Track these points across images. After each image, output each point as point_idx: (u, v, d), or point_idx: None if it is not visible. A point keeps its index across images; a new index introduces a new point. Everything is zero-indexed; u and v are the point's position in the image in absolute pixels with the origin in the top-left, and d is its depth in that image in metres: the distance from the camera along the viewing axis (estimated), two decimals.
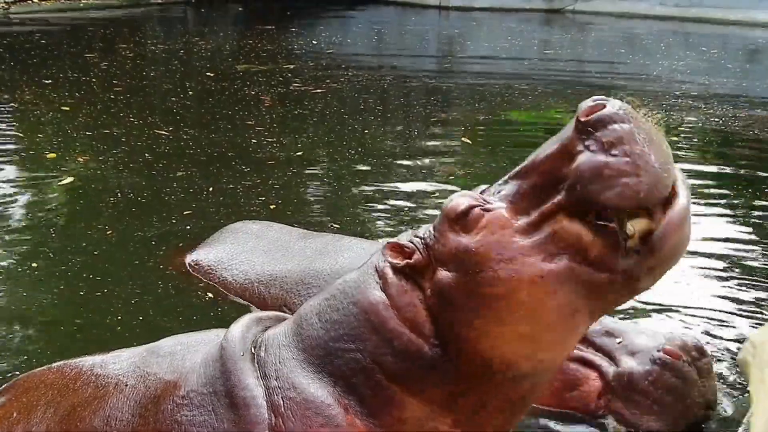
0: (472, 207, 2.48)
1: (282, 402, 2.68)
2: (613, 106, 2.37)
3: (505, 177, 2.52)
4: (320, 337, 2.69)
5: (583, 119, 2.35)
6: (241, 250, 5.11)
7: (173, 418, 2.81)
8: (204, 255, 5.26)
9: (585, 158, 2.34)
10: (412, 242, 2.62)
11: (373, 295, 2.62)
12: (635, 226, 2.35)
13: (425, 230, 2.63)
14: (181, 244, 5.64)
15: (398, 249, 2.62)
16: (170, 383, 2.91)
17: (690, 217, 2.42)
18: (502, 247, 2.43)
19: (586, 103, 2.40)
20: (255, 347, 2.83)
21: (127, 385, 3.02)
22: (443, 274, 2.53)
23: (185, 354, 3.01)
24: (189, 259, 5.30)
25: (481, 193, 2.58)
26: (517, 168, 2.49)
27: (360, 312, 2.64)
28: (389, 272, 2.62)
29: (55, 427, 3.06)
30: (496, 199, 2.50)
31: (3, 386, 3.51)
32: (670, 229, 2.35)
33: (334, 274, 4.53)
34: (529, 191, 2.44)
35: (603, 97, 2.43)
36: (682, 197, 2.38)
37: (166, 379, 2.93)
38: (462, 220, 2.50)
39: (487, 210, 2.47)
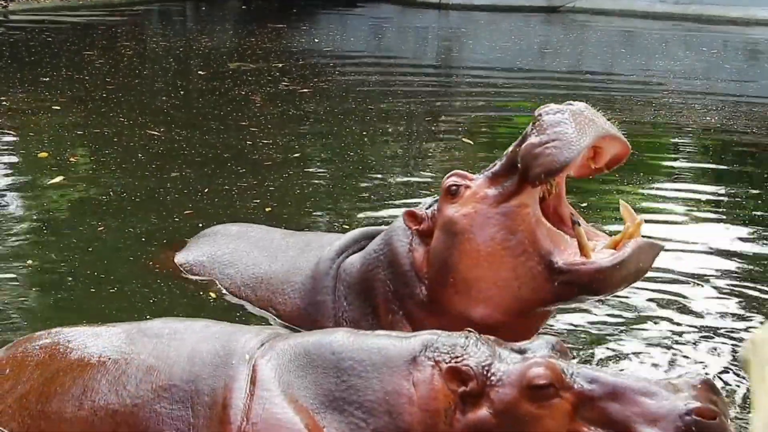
0: (549, 385, 2.62)
1: (261, 411, 2.77)
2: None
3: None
4: (332, 391, 2.79)
5: None
6: (222, 252, 4.97)
7: (152, 407, 2.95)
8: (183, 260, 5.13)
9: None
10: None
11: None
12: None
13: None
14: (152, 249, 5.53)
15: None
16: (152, 369, 3.04)
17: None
18: None
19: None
20: (256, 355, 2.93)
21: (109, 359, 3.15)
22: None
23: (170, 341, 3.12)
24: (176, 259, 5.17)
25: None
26: None
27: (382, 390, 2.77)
28: None
29: (38, 388, 3.21)
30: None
31: (8, 345, 3.63)
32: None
33: (317, 267, 4.43)
34: None
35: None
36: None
37: (149, 363, 3.06)
38: (536, 392, 2.62)
39: None
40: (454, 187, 3.89)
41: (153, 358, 3.07)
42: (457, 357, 2.69)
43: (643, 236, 3.62)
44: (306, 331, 4.26)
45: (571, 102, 3.70)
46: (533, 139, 3.65)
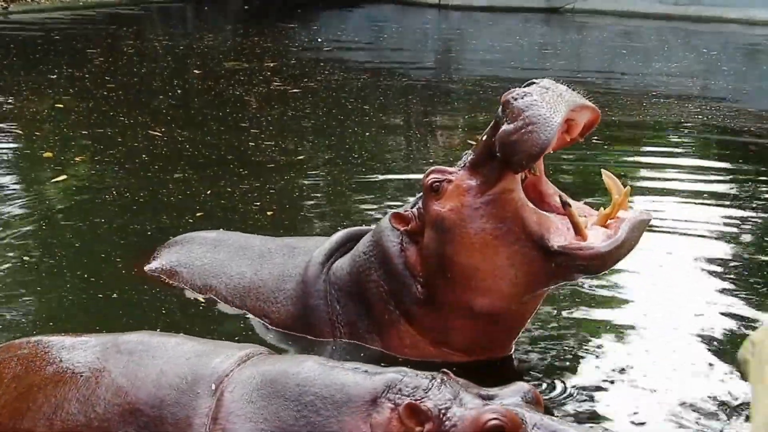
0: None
1: None
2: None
3: None
4: (291, 425, 2.77)
5: None
6: (201, 263, 4.83)
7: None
8: (156, 269, 4.98)
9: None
10: None
11: None
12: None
13: None
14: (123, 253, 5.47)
15: None
16: (120, 390, 3.05)
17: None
18: None
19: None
20: (222, 385, 2.93)
21: (81, 376, 3.16)
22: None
23: (142, 358, 3.13)
24: (146, 269, 5.03)
25: None
26: None
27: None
28: None
29: (11, 403, 3.22)
30: None
31: None
32: None
33: (307, 271, 4.40)
34: None
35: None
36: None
37: (118, 383, 3.07)
38: None
39: None
40: (436, 184, 3.87)
41: (123, 377, 3.07)
42: (417, 399, 2.65)
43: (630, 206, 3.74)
44: (301, 335, 4.32)
45: (535, 80, 3.71)
46: (508, 127, 3.61)
